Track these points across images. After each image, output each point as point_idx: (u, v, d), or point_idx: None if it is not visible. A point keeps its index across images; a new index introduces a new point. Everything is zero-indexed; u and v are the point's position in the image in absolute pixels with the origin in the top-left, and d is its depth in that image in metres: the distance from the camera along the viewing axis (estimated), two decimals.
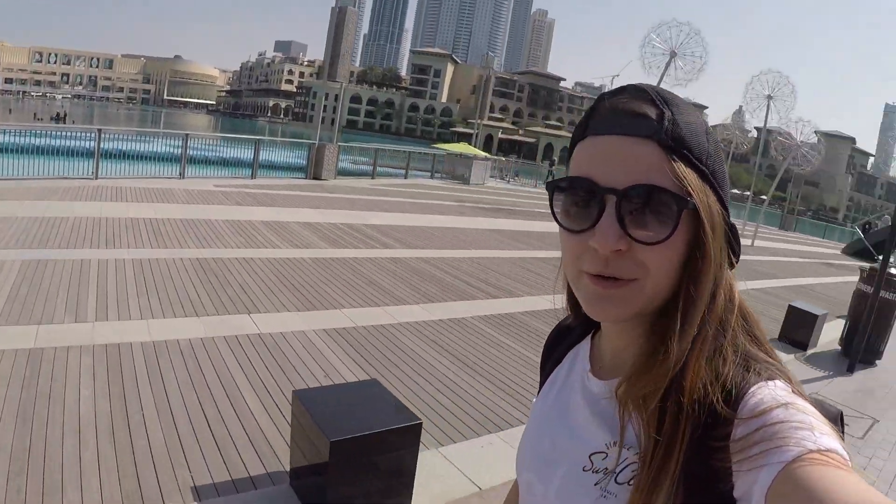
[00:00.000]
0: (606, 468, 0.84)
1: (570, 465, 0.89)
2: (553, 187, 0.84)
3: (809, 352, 9.37)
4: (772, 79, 29.99)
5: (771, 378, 0.78)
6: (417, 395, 5.05)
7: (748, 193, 33.06)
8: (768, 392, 0.75)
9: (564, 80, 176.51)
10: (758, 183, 34.03)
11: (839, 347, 9.69)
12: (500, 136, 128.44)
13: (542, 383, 1.13)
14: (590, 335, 1.04)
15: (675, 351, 0.78)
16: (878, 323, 8.82)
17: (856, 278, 9.89)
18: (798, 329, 9.45)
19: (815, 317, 9.48)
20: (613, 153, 0.78)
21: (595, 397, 0.92)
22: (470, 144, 40.38)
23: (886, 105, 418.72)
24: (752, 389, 0.76)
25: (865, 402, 7.28)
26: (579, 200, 0.80)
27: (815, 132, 31.24)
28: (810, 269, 21.28)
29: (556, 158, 59.83)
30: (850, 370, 8.42)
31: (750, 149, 56.01)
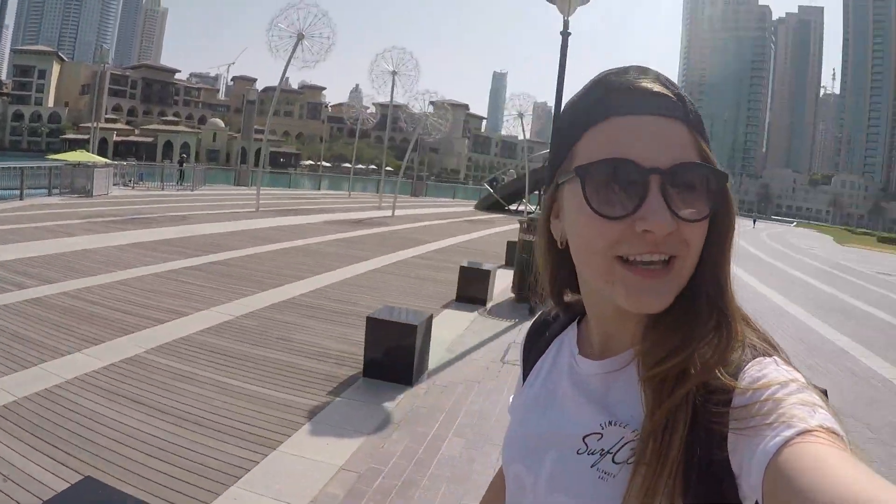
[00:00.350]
0: (603, 449, 0.82)
1: (562, 450, 0.88)
2: (585, 172, 0.79)
3: (489, 305, 10.35)
4: (395, 55, 31.71)
5: (767, 353, 0.78)
6: (132, 471, 4.17)
7: (373, 167, 35.43)
8: (768, 367, 0.75)
9: (179, 71, 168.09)
10: (380, 155, 36.27)
11: (513, 295, 10.90)
12: (115, 138, 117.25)
13: (524, 375, 1.11)
14: (575, 322, 1.04)
15: (736, 330, 0.78)
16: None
17: (497, 230, 10.95)
18: (473, 286, 10.37)
19: (487, 272, 10.54)
20: (651, 133, 0.77)
21: (584, 379, 0.92)
22: (87, 151, 36.98)
23: (494, 73, 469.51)
24: (751, 362, 0.76)
25: None
26: (618, 184, 0.77)
27: (431, 102, 33.85)
28: (456, 228, 23.19)
29: (185, 155, 57.01)
30: (531, 312, 9.38)
31: (375, 124, 59.06)
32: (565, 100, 1.11)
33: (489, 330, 9.09)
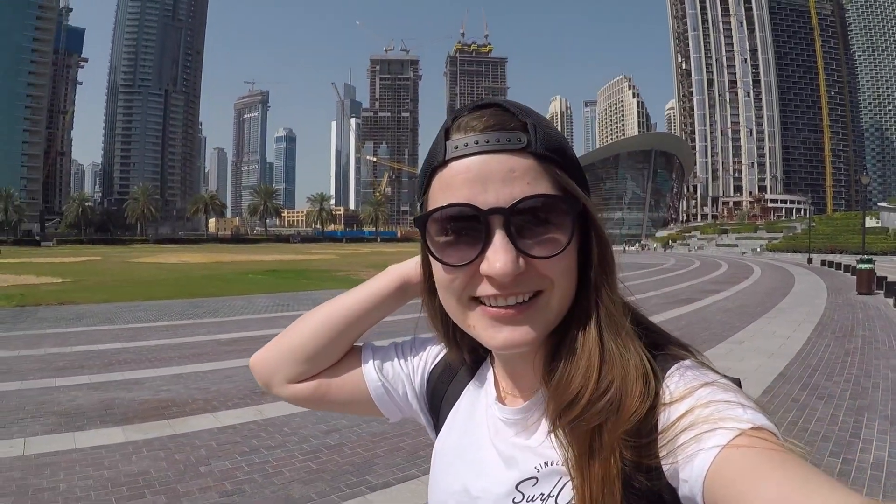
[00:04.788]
0: (542, 493, 0.79)
1: (496, 502, 0.84)
2: (424, 221, 0.77)
3: None
4: None
5: (681, 357, 0.78)
6: None
7: None
8: (686, 372, 0.74)
9: None
10: None
11: None
12: None
13: (436, 425, 1.06)
14: (487, 364, 0.99)
15: (629, 365, 0.74)
16: None
17: None
18: None
19: None
20: (490, 172, 0.73)
21: (507, 425, 0.87)
22: None
23: None
24: (668, 372, 0.75)
25: None
26: (461, 229, 0.75)
27: None
28: None
29: None
30: None
31: None
32: None
33: None
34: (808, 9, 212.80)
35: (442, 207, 0.75)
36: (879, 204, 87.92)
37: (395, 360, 1.08)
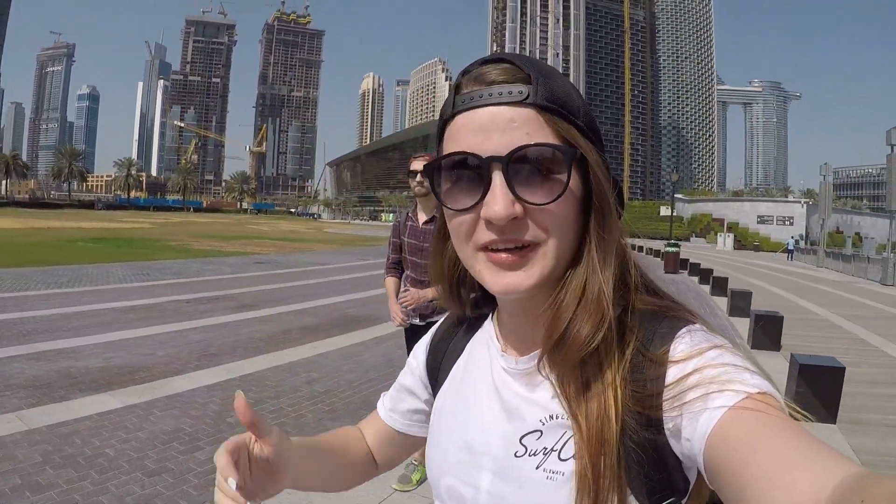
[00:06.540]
0: (545, 447, 0.81)
1: (498, 457, 0.86)
2: (433, 169, 0.81)
3: None
4: None
5: (691, 321, 0.81)
6: None
7: None
8: (697, 335, 0.77)
9: None
10: None
11: None
12: None
13: (433, 383, 1.08)
14: (489, 319, 1.00)
15: (607, 312, 0.77)
16: None
17: None
18: None
19: None
20: (491, 123, 0.76)
21: (511, 378, 0.89)
22: None
23: None
24: (677, 333, 0.78)
25: None
26: (464, 176, 0.78)
27: None
28: None
29: None
30: None
31: None
32: None
33: None
34: (622, 13, 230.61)
35: (447, 155, 0.79)
36: (675, 195, 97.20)
37: (400, 388, 1.15)
